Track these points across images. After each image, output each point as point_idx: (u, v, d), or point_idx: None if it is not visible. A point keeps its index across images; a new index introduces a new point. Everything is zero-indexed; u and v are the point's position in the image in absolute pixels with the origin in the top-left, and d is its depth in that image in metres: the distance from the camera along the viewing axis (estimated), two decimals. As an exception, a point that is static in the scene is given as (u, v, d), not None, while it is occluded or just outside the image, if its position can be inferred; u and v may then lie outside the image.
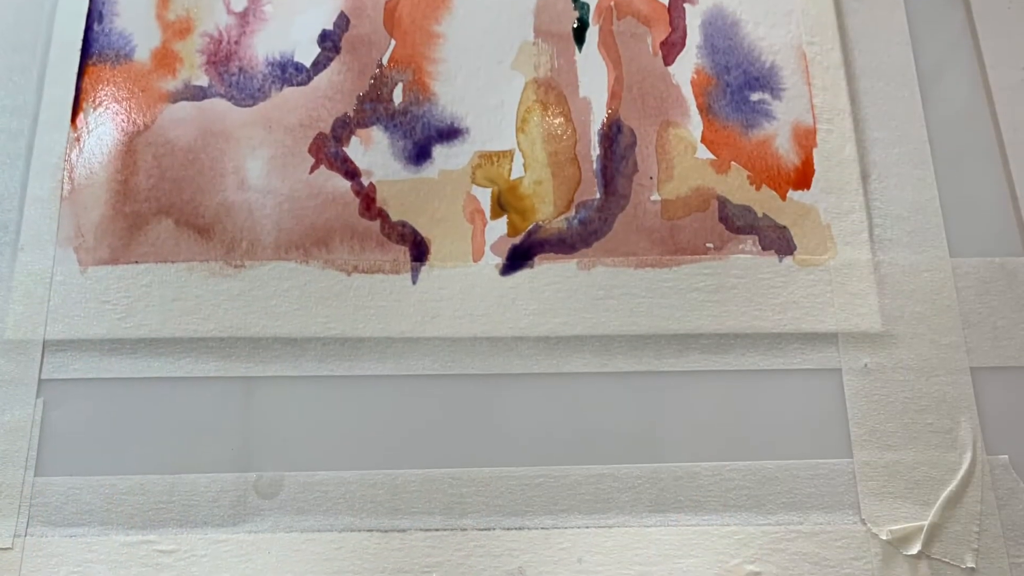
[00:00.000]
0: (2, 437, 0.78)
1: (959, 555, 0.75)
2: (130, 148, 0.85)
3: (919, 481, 0.77)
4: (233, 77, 0.88)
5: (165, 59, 0.90)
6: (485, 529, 0.76)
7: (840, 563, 0.75)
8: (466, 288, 0.81)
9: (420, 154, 0.85)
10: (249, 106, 0.87)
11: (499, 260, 0.82)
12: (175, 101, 0.87)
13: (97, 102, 0.87)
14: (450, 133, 0.86)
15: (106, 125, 0.86)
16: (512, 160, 0.85)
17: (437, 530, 0.76)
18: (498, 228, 0.83)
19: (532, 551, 0.75)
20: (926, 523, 0.76)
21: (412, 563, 0.74)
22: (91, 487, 0.77)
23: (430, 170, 0.85)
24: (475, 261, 0.82)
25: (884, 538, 0.76)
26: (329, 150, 0.86)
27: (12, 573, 0.75)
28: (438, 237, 0.83)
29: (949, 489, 0.77)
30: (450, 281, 0.81)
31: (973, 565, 0.75)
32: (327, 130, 0.86)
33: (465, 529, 0.76)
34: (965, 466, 0.78)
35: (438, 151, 0.85)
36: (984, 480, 0.78)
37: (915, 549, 0.75)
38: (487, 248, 0.83)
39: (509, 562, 0.75)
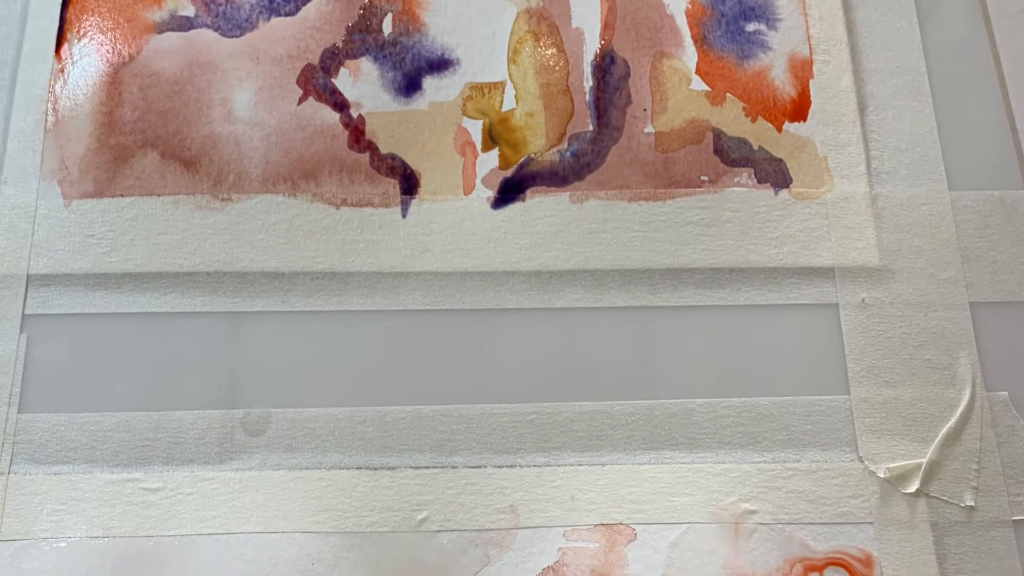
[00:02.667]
0: None
1: (958, 493, 0.78)
2: (115, 79, 0.87)
3: (917, 418, 0.80)
4: (220, 7, 0.90)
5: (150, -11, 0.94)
6: (476, 467, 0.79)
7: (837, 501, 0.78)
8: (456, 222, 0.84)
9: (410, 86, 0.88)
10: (236, 36, 0.89)
11: (490, 193, 0.84)
12: (161, 32, 0.88)
13: (81, 33, 0.89)
14: (440, 64, 0.88)
15: (91, 56, 0.88)
16: (503, 92, 0.87)
17: (427, 468, 0.79)
18: (489, 161, 0.85)
19: (524, 489, 0.78)
20: (924, 461, 0.79)
21: (402, 501, 0.77)
22: (76, 424, 0.79)
23: (420, 102, 0.87)
24: (466, 194, 0.85)
25: (882, 476, 0.78)
26: (318, 81, 0.87)
27: None
28: (428, 170, 0.85)
29: (948, 426, 0.80)
30: (440, 215, 0.84)
31: (972, 503, 0.78)
32: (315, 61, 0.88)
33: (456, 467, 0.79)
34: (964, 403, 0.81)
35: (428, 83, 0.88)
36: (983, 417, 0.81)
37: (913, 487, 0.78)
38: (478, 181, 0.85)
39: (500, 500, 0.78)
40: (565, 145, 0.86)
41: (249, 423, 0.79)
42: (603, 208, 0.84)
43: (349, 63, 0.88)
